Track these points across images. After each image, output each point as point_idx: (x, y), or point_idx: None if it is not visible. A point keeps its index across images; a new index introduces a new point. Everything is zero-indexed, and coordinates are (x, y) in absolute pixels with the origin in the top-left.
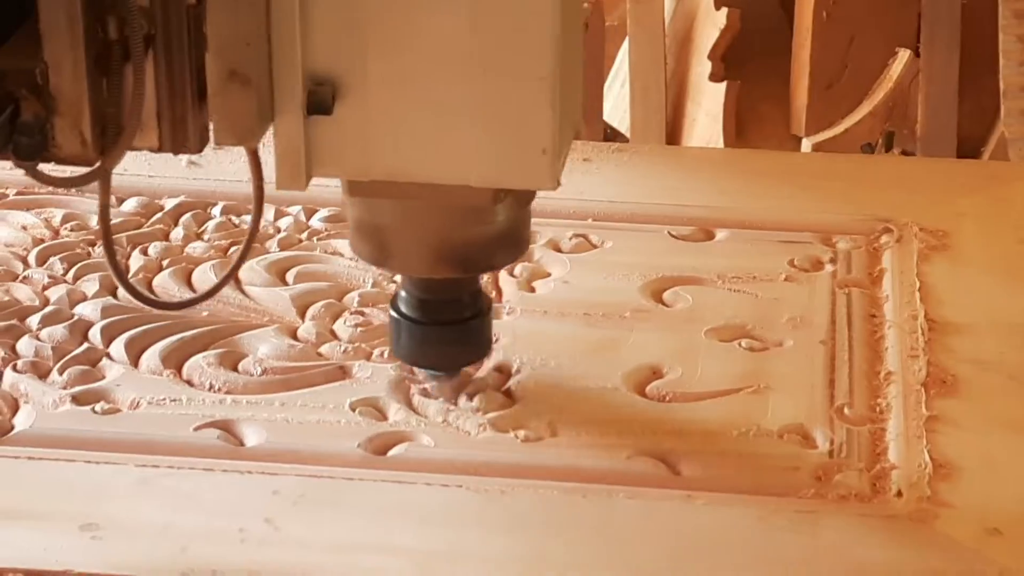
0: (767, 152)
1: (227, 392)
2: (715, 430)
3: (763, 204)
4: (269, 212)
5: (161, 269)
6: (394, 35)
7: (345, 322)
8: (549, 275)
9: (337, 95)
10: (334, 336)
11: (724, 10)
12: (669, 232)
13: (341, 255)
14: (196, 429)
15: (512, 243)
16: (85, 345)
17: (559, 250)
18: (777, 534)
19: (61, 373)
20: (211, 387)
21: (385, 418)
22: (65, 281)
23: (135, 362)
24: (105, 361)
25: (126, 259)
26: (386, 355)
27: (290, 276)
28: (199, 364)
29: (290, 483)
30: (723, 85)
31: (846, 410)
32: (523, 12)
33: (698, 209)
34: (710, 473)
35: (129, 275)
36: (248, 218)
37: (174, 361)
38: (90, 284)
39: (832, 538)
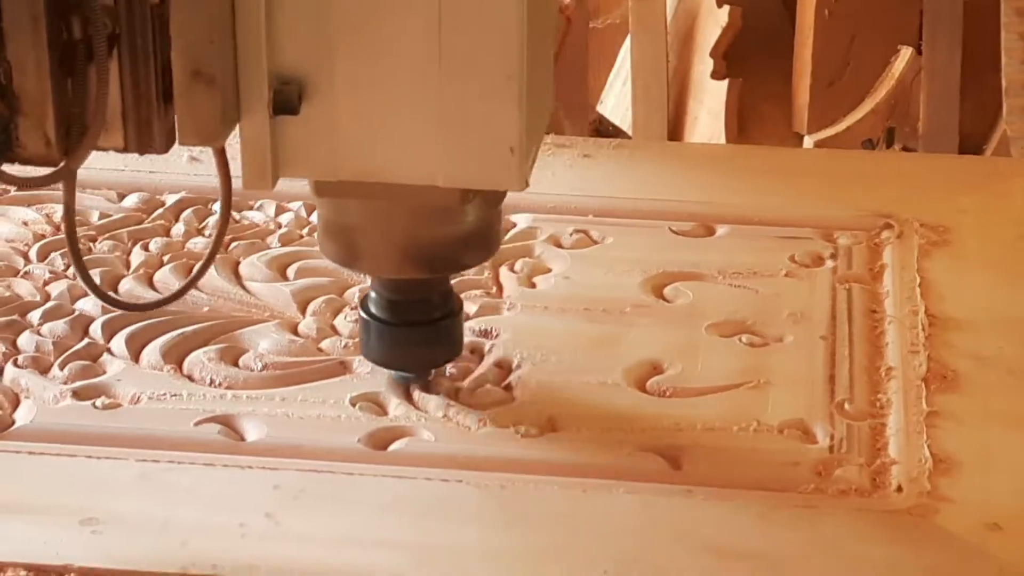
0: (767, 148)
1: (228, 387)
2: (715, 425)
3: (764, 200)
4: (270, 208)
5: (162, 264)
6: (361, 34)
7: (346, 317)
8: (550, 271)
9: (304, 95)
10: (335, 331)
11: (726, 8)
12: (670, 228)
13: None
14: (197, 424)
15: (481, 243)
16: (86, 340)
17: (560, 246)
18: (777, 529)
19: (62, 368)
20: (212, 382)
21: (385, 413)
22: (66, 276)
23: (136, 357)
24: (106, 356)
25: (127, 255)
26: None
27: (291, 271)
28: (200, 359)
29: (291, 478)
30: (725, 83)
31: (846, 405)
32: (489, 11)
33: (699, 205)
34: (710, 468)
35: (130, 271)
36: (249, 214)
37: (175, 356)
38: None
39: (832, 533)
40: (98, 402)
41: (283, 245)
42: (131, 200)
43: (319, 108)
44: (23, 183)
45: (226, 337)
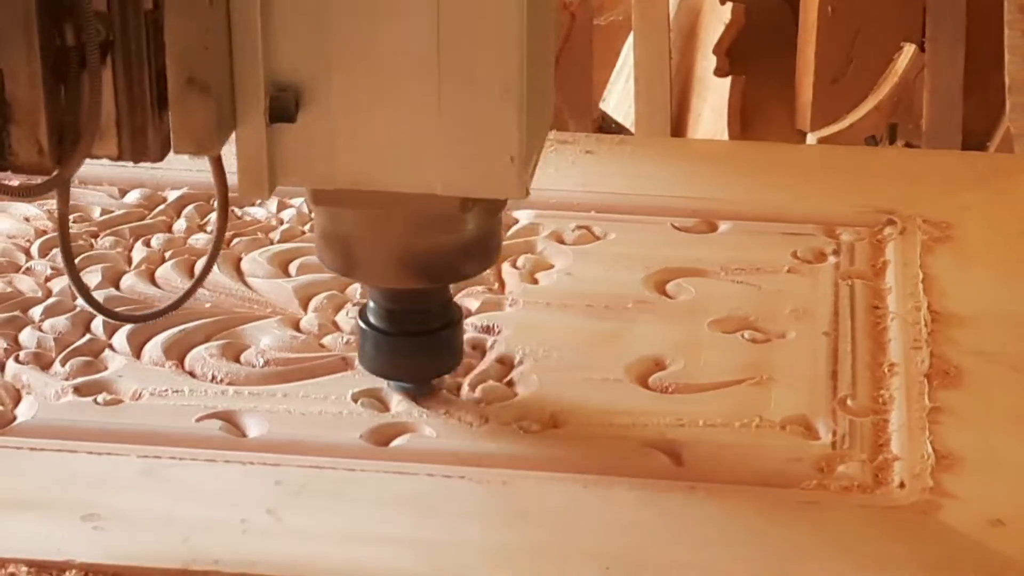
0: (770, 144)
1: (229, 383)
2: (717, 421)
3: (766, 196)
4: (272, 203)
5: (164, 261)
6: (358, 41)
7: (347, 313)
8: (552, 267)
9: (300, 102)
10: (336, 327)
11: (729, 5)
12: (672, 224)
13: None
14: (198, 420)
15: (481, 252)
16: (87, 336)
17: (562, 242)
18: (779, 526)
19: (63, 364)
20: (213, 378)
21: (387, 409)
22: None
23: (137, 353)
24: (107, 352)
25: (128, 250)
26: None
27: (292, 268)
28: (201, 355)
29: (292, 474)
30: (728, 80)
31: (849, 401)
32: (488, 18)
33: (701, 201)
34: (712, 464)
35: (132, 267)
36: (251, 210)
37: (176, 352)
38: (92, 275)
39: (834, 529)
40: (99, 398)
41: (285, 241)
42: (133, 196)
43: (316, 116)
44: (15, 192)
45: (228, 333)
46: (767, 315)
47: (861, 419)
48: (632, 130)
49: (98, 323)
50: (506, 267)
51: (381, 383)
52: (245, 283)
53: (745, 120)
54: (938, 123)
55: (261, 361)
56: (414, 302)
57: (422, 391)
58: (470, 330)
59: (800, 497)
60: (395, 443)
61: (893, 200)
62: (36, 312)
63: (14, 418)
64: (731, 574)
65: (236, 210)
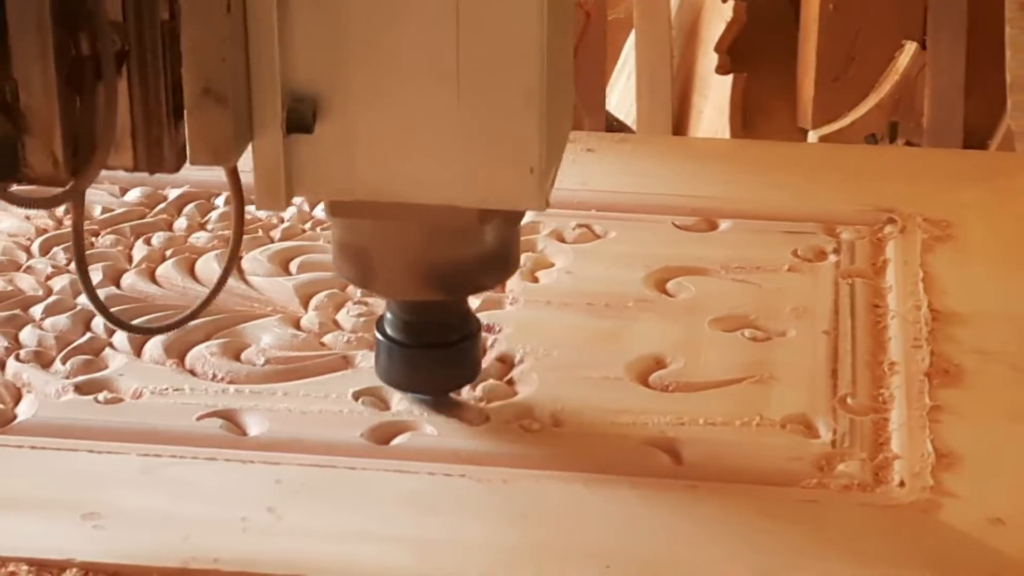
0: (770, 142)
1: (230, 382)
2: (718, 420)
3: (766, 194)
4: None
5: (164, 259)
6: (376, 50)
7: (348, 312)
8: (552, 265)
9: (318, 112)
10: (337, 326)
11: (730, 3)
12: (673, 222)
13: None
14: (199, 418)
15: (500, 263)
16: (88, 335)
17: (562, 240)
18: (779, 524)
19: (64, 362)
20: (214, 376)
21: (388, 407)
22: (68, 271)
23: (138, 352)
24: (108, 350)
25: (129, 249)
26: None
27: (293, 266)
28: (202, 354)
29: (292, 472)
30: (729, 78)
31: (849, 400)
32: (509, 27)
33: (701, 199)
34: (713, 463)
35: (132, 265)
36: (252, 208)
37: (177, 351)
38: (94, 274)
39: (834, 528)
40: (100, 397)
41: (285, 239)
42: (133, 194)
43: (334, 126)
44: (30, 204)
45: (228, 332)
46: (767, 313)
47: (861, 418)
48: (633, 127)
49: (99, 321)
50: None
51: (382, 381)
52: (245, 281)
53: (746, 118)
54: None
55: (262, 359)
56: (432, 314)
57: (440, 404)
58: None
59: (800, 496)
60: (396, 441)
61: (893, 199)
62: (37, 310)
63: (14, 416)
64: (731, 572)
65: None
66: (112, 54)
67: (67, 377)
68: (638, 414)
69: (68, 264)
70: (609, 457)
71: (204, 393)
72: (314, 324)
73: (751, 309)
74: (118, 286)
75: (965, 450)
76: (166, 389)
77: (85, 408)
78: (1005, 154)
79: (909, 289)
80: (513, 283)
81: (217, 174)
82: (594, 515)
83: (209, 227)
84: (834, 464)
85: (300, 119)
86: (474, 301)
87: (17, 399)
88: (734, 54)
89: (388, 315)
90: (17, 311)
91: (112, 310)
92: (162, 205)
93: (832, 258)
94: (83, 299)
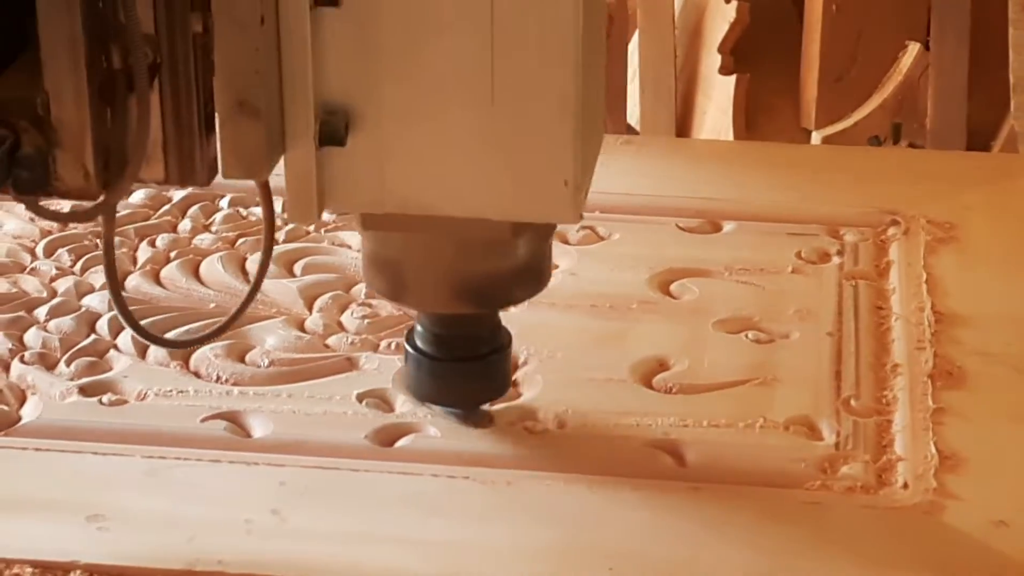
0: (773, 144)
1: (234, 383)
2: (721, 422)
3: (770, 196)
4: (277, 204)
5: (168, 261)
6: (409, 61)
7: (352, 314)
8: (556, 267)
9: (350, 125)
10: (341, 328)
11: (733, 3)
12: (676, 224)
13: (348, 247)
14: (203, 420)
15: (532, 276)
16: (92, 336)
17: (566, 242)
18: (783, 526)
19: (68, 364)
20: (218, 378)
21: (392, 409)
22: (72, 273)
23: (142, 353)
24: (112, 352)
25: (133, 251)
26: (393, 347)
27: (297, 268)
28: (206, 355)
29: (296, 474)
30: (733, 78)
31: (852, 402)
32: (544, 37)
33: (705, 201)
34: (716, 465)
35: (136, 267)
36: (257, 210)
37: (181, 352)
38: (97, 276)
39: (838, 530)
40: (104, 398)
41: (289, 241)
42: (137, 196)
43: (366, 139)
44: (61, 218)
45: (232, 334)
46: (771, 315)
47: (865, 420)
48: (637, 128)
49: (103, 323)
50: None
51: (386, 383)
52: (250, 283)
53: (750, 118)
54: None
55: (266, 361)
56: (463, 327)
57: (469, 417)
58: None
59: (803, 498)
60: (400, 443)
61: (897, 201)
62: (41, 312)
63: (19, 418)
64: (734, 574)
65: (241, 210)
66: (145, 67)
67: (71, 379)
68: (642, 416)
69: (72, 266)
70: (613, 459)
71: (208, 395)
72: (318, 326)
73: (755, 311)
74: (123, 288)
75: (968, 452)
76: (170, 391)
77: (89, 410)
78: (1008, 156)
79: (912, 291)
80: None
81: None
82: (598, 517)
83: (213, 229)
84: (837, 466)
85: (333, 132)
86: None
87: (22, 401)
88: (737, 54)
89: (418, 328)
90: (22, 313)
91: (115, 312)
92: (166, 207)
93: (836, 260)
94: (88, 300)
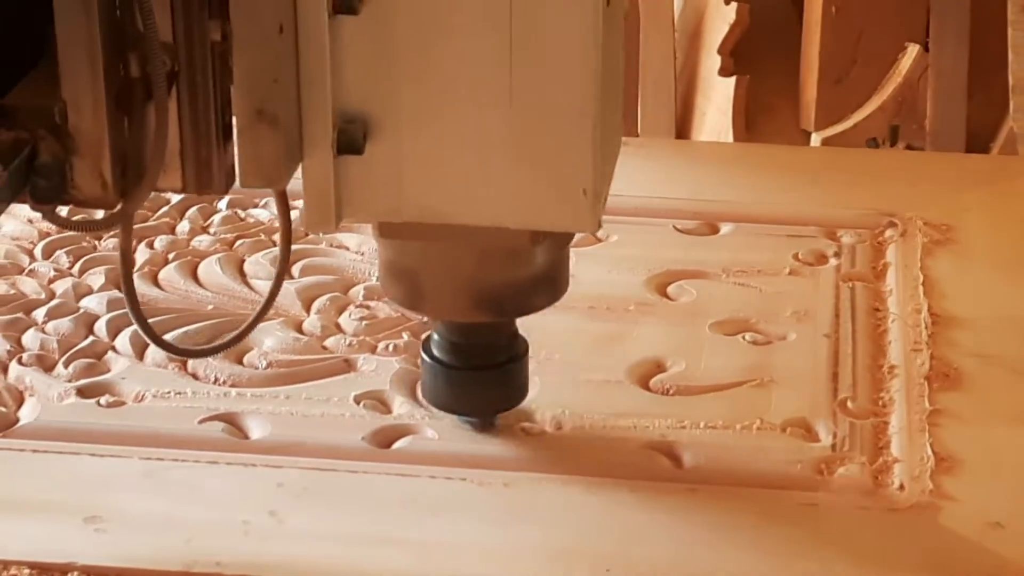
0: (771, 146)
1: (232, 385)
2: (718, 423)
3: (767, 198)
4: (274, 205)
5: (167, 263)
6: (428, 70)
7: (350, 315)
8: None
9: (368, 133)
10: (339, 329)
11: (733, 5)
12: (674, 226)
13: (347, 248)
14: (201, 422)
15: (550, 285)
16: (90, 338)
17: None
18: (779, 527)
19: (66, 366)
20: (216, 380)
21: (389, 411)
22: (71, 274)
23: (140, 355)
24: (110, 354)
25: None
26: (391, 348)
27: (296, 269)
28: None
29: (294, 476)
30: (732, 80)
31: (849, 403)
32: (564, 47)
33: (703, 203)
34: (713, 466)
35: (135, 268)
36: (255, 212)
37: None
38: (96, 277)
39: (834, 531)
40: (102, 400)
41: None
42: None
43: (384, 147)
44: (79, 227)
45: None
46: (768, 317)
47: (861, 421)
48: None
49: (101, 325)
50: None
51: (383, 385)
52: (248, 285)
53: (749, 120)
54: (942, 123)
55: (263, 363)
56: (480, 335)
57: (486, 425)
58: None
59: (800, 499)
60: (397, 445)
61: (894, 202)
62: (39, 314)
63: (17, 420)
64: (731, 575)
65: (240, 212)
66: (164, 75)
67: (69, 380)
68: (639, 417)
69: (70, 268)
70: (610, 460)
71: (206, 396)
72: (316, 328)
73: (752, 313)
74: (120, 289)
75: (965, 454)
76: (168, 392)
77: (87, 411)
78: (1006, 157)
79: (909, 293)
80: None
81: None
82: (595, 518)
83: (212, 231)
84: (834, 467)
85: (351, 140)
86: None
87: (19, 403)
88: (737, 56)
89: (435, 336)
90: (20, 314)
91: (113, 314)
92: (164, 208)
93: (833, 262)
94: (86, 302)
